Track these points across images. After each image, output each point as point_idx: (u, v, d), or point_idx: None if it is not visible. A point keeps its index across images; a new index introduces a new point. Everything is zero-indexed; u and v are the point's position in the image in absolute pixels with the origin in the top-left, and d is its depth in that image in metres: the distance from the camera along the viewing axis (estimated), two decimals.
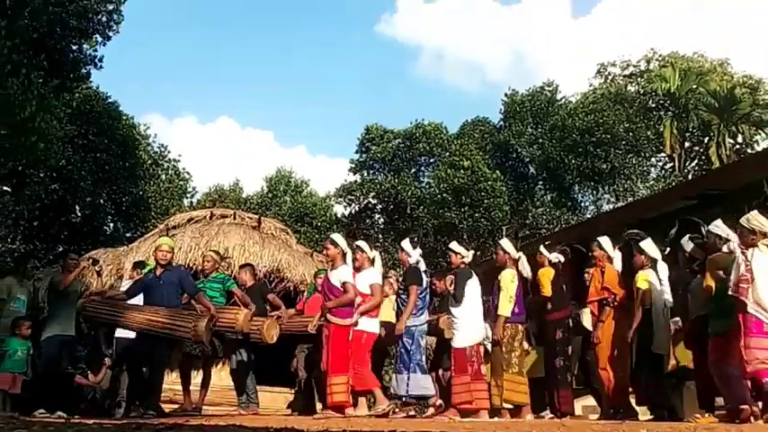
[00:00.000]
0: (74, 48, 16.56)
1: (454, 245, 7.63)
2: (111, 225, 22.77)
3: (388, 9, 67.00)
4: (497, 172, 26.12)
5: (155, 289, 6.94)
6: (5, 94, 11.51)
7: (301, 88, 62.03)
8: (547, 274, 7.51)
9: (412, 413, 7.66)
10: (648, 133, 26.50)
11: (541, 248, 7.84)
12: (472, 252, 7.63)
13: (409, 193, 26.95)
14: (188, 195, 27.88)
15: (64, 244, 20.69)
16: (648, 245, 6.83)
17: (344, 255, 6.77)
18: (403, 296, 7.46)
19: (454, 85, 55.63)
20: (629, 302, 6.74)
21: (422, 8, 56.71)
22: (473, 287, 7.12)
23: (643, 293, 6.57)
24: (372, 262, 7.07)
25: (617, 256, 7.11)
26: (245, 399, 7.91)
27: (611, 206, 24.20)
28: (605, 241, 7.16)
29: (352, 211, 29.16)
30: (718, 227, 5.94)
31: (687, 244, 6.31)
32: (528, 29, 52.51)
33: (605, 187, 26.62)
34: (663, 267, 6.77)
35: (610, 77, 31.10)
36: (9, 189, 16.29)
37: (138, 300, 7.20)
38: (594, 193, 27.43)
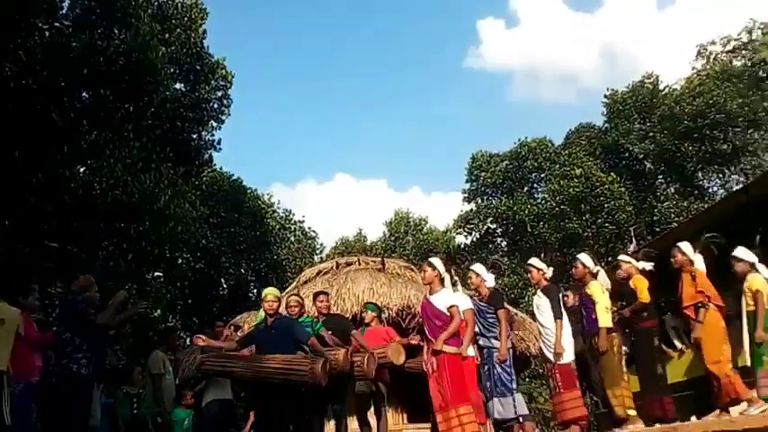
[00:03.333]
0: (194, 136, 17.94)
1: (534, 260, 7.49)
2: (255, 291, 24.01)
3: (473, 42, 67.50)
4: (612, 174, 25.69)
5: (267, 339, 6.74)
6: (141, 189, 12.90)
7: (406, 134, 63.32)
8: (643, 281, 7.22)
9: None
10: (765, 104, 25.08)
11: (624, 257, 7.58)
12: (551, 268, 7.52)
13: (526, 212, 26.98)
14: (317, 252, 29.32)
15: (216, 317, 22.24)
16: (743, 252, 6.80)
17: (442, 278, 6.45)
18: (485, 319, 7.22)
19: (552, 100, 54.80)
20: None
21: (504, 34, 56.85)
22: (562, 302, 7.11)
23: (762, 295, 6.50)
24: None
25: (698, 259, 7.00)
26: None
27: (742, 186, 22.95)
28: (686, 246, 7.05)
29: (473, 240, 29.50)
30: None
31: None
32: (615, 30, 51.39)
33: (732, 168, 25.43)
34: (763, 269, 6.72)
35: (712, 57, 29.50)
36: (160, 273, 17.94)
37: None
38: (721, 176, 26.26)
